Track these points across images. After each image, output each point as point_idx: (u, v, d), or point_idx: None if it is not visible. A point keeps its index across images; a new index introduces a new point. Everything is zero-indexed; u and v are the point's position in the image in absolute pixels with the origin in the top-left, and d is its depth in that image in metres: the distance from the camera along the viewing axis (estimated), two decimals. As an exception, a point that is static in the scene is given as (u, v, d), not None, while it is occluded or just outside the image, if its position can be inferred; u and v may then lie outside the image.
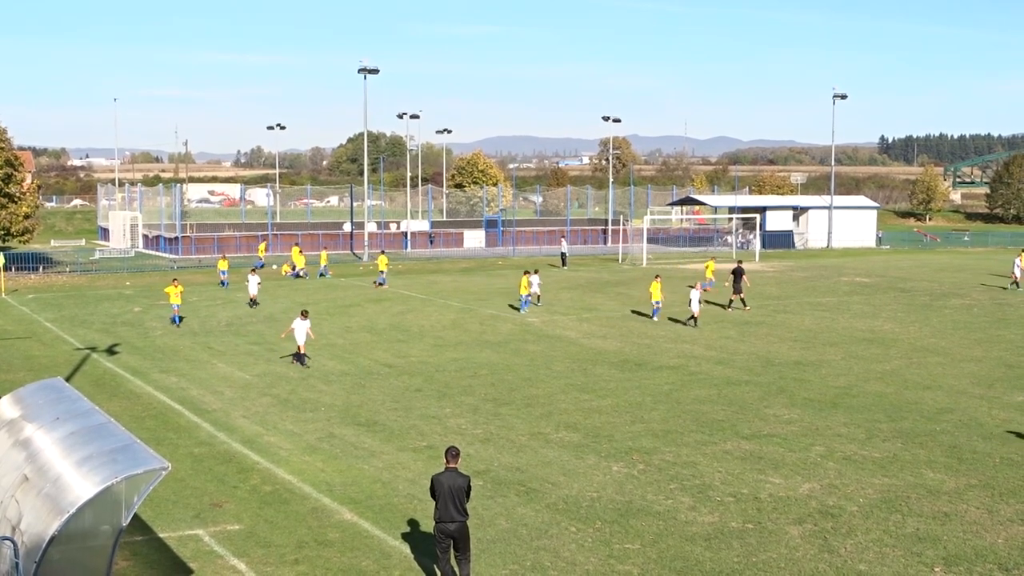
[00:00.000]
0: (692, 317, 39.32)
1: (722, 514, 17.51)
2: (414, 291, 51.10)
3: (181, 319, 39.53)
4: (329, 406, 25.57)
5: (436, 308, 44.47)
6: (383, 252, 58.69)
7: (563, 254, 67.70)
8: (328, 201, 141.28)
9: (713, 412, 24.96)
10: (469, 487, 14.27)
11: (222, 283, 52.38)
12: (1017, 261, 55.04)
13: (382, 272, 53.98)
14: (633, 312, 43.59)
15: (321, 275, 58.42)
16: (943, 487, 19.13)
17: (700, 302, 39.79)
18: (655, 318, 41.11)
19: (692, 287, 41.00)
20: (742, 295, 44.51)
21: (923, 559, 15.55)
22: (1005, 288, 54.04)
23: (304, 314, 31.17)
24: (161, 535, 16.42)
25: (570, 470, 20.06)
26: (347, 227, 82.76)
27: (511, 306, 44.36)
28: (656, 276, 43.32)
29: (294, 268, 58.55)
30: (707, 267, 47.54)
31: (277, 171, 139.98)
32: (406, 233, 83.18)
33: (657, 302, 41.33)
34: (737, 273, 44.89)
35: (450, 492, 14.06)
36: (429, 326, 39.16)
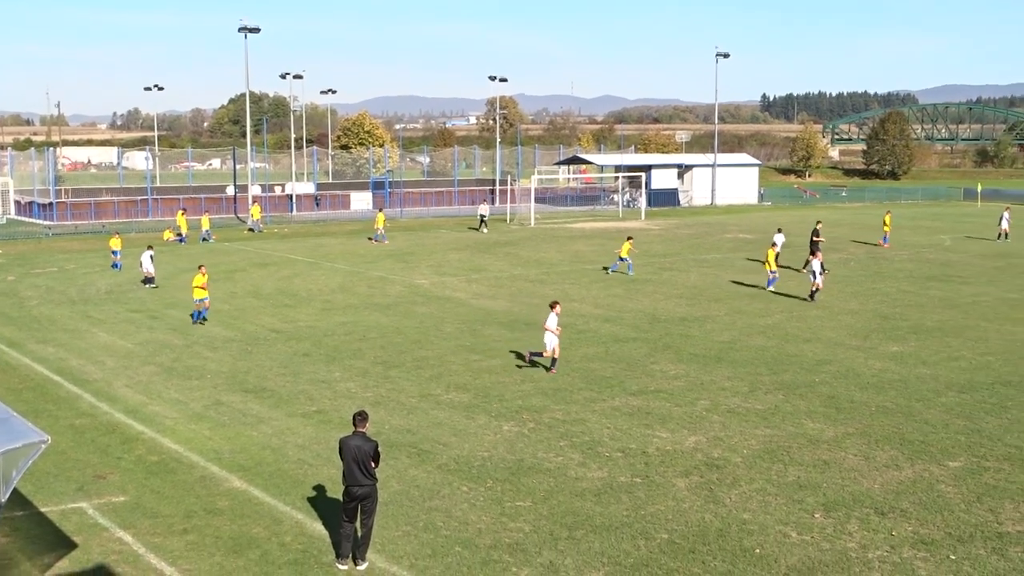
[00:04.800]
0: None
1: (611, 469, 17.79)
2: (300, 255, 50.47)
3: (201, 316, 31.80)
4: (215, 373, 25.15)
5: (323, 271, 44.02)
6: (381, 210, 61.25)
7: (482, 216, 65.12)
8: (210, 164, 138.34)
9: (601, 369, 25.28)
10: (376, 452, 14.18)
11: (116, 266, 44.84)
12: (1005, 215, 58.34)
13: (379, 229, 56.83)
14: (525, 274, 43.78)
15: (204, 240, 57.27)
16: (822, 436, 19.74)
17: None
18: (615, 271, 43.28)
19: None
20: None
21: (804, 506, 16.05)
22: (995, 241, 56.86)
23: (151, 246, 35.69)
24: (43, 509, 15.99)
25: (461, 430, 20.13)
26: (230, 190, 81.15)
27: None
28: (628, 237, 44.95)
29: (179, 233, 57.31)
30: (622, 248, 46.24)
31: (156, 133, 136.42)
32: (291, 196, 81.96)
33: (623, 259, 42.96)
34: None
35: (355, 456, 13.97)
36: (317, 290, 38.76)
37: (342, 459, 14.16)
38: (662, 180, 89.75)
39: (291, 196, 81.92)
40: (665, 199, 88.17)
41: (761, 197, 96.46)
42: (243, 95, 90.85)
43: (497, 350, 27.62)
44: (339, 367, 25.72)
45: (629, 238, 44.98)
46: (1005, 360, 26.38)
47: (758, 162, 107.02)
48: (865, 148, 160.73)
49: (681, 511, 15.87)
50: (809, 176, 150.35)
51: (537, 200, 76.42)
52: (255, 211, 65.85)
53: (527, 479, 17.29)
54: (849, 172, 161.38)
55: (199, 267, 33.00)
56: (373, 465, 14.13)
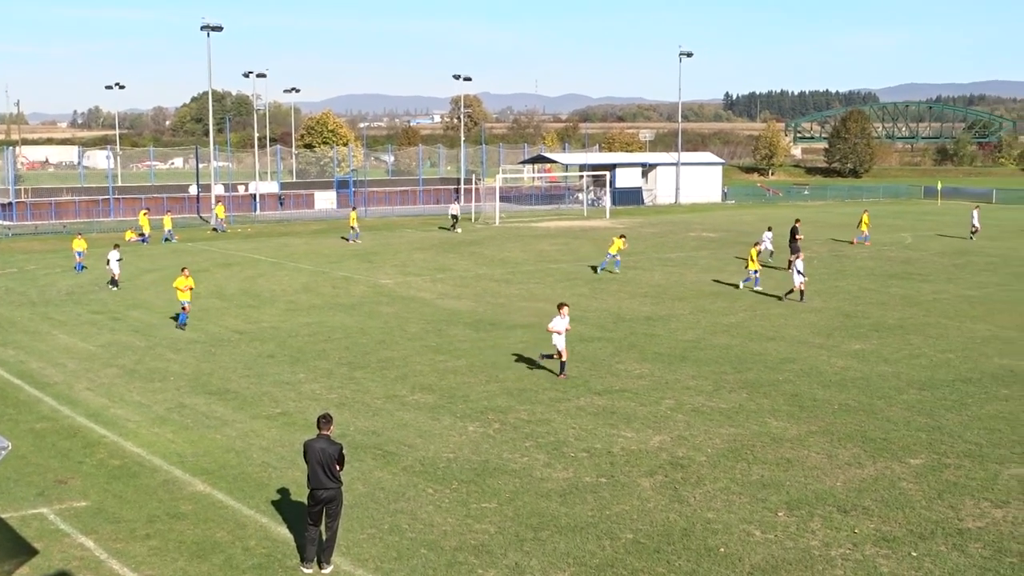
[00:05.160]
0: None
1: (576, 469, 17.83)
2: (264, 255, 50.20)
3: (181, 319, 31.06)
4: (178, 375, 24.96)
5: (287, 272, 43.80)
6: (354, 209, 61.40)
7: (454, 216, 64.68)
8: (172, 163, 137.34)
9: (567, 369, 25.30)
10: (342, 455, 14.12)
11: (78, 267, 43.94)
12: (975, 213, 58.99)
13: (354, 228, 56.81)
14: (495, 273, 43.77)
15: (166, 240, 56.80)
16: (786, 434, 19.88)
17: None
18: (604, 269, 43.55)
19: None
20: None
21: (768, 504, 16.15)
22: (970, 239, 57.31)
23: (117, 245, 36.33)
24: (2, 515, 15.79)
25: (426, 432, 20.10)
26: (193, 190, 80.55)
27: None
28: (621, 235, 45.40)
29: (142, 234, 56.82)
30: (613, 243, 45.98)
31: (117, 132, 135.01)
32: (255, 195, 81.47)
33: (612, 254, 43.37)
34: None
35: (320, 459, 13.91)
36: (280, 290, 38.56)
37: (307, 462, 14.09)
38: (626, 179, 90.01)
39: (255, 195, 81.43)
40: (629, 198, 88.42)
41: (725, 196, 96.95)
42: (206, 93, 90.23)
43: (462, 350, 27.59)
44: (304, 368, 25.60)
45: (621, 236, 45.48)
46: (965, 357, 26.68)
47: (722, 161, 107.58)
48: (827, 146, 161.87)
49: (646, 511, 15.93)
50: (772, 174, 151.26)
51: (502, 199, 76.47)
52: (219, 211, 65.48)
53: (492, 480, 17.29)
54: (811, 170, 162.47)
55: (182, 269, 32.13)
56: (338, 468, 14.07)
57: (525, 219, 73.63)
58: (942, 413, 21.33)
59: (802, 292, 35.47)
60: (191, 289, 31.28)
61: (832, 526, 15.29)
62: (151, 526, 15.38)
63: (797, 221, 48.04)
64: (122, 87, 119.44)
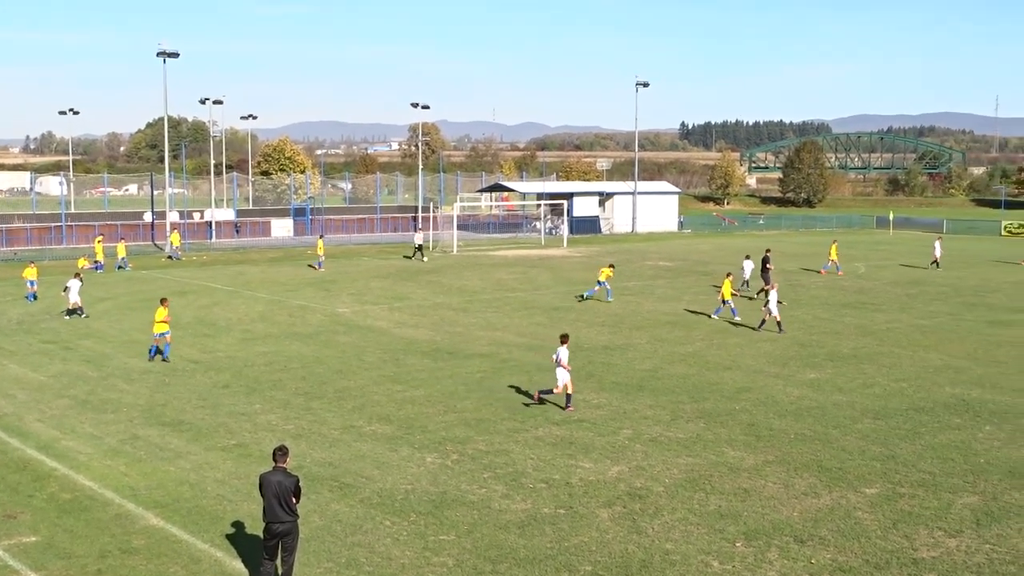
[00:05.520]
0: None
1: (535, 500, 17.78)
2: (220, 283, 49.81)
3: (158, 351, 30.38)
4: (131, 406, 24.65)
5: (243, 300, 43.47)
6: (321, 237, 61.78)
7: (419, 246, 63.80)
8: (127, 189, 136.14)
9: (525, 399, 25.28)
10: (298, 488, 14.01)
11: (29, 297, 42.83)
12: (937, 244, 60.04)
13: (320, 256, 57.20)
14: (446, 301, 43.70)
15: (120, 268, 56.21)
16: (743, 464, 19.96)
17: None
18: (591, 296, 43.97)
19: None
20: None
21: (725, 535, 16.19)
22: (925, 268, 58.19)
23: (78, 274, 36.09)
24: (-50, 551, 15.49)
25: (384, 463, 19.97)
26: (148, 217, 79.86)
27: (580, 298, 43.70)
28: (610, 264, 46.15)
29: (96, 261, 56.20)
30: (602, 272, 45.97)
31: (71, 158, 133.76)
32: (210, 222, 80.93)
33: (601, 282, 43.61)
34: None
35: (275, 492, 13.77)
36: (236, 319, 38.25)
37: (262, 495, 13.96)
38: (584, 208, 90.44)
39: (210, 223, 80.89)
40: (587, 227, 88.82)
41: (681, 225, 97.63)
42: (161, 119, 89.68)
43: (420, 380, 27.49)
44: (259, 399, 25.38)
45: (611, 265, 45.90)
46: (918, 386, 26.97)
47: (678, 190, 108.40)
48: (781, 176, 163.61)
49: (605, 542, 15.91)
50: (728, 204, 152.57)
51: (460, 227, 76.51)
52: (174, 238, 64.97)
53: (451, 512, 17.20)
54: (766, 200, 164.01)
55: (161, 300, 31.23)
56: (294, 501, 13.95)
57: (483, 247, 73.68)
58: (896, 442, 21.53)
59: (779, 323, 35.58)
60: (168, 321, 30.45)
61: (789, 556, 15.35)
62: (103, 561, 15.13)
63: (768, 251, 48.46)
64: (76, 112, 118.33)
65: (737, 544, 15.84)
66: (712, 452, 20.80)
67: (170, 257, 63.20)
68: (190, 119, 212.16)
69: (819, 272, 55.78)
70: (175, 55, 70.41)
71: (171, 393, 26.00)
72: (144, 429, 22.55)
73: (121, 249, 57.88)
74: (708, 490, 18.39)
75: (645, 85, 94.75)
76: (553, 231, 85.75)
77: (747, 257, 48.43)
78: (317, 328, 36.24)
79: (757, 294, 44.76)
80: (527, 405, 24.67)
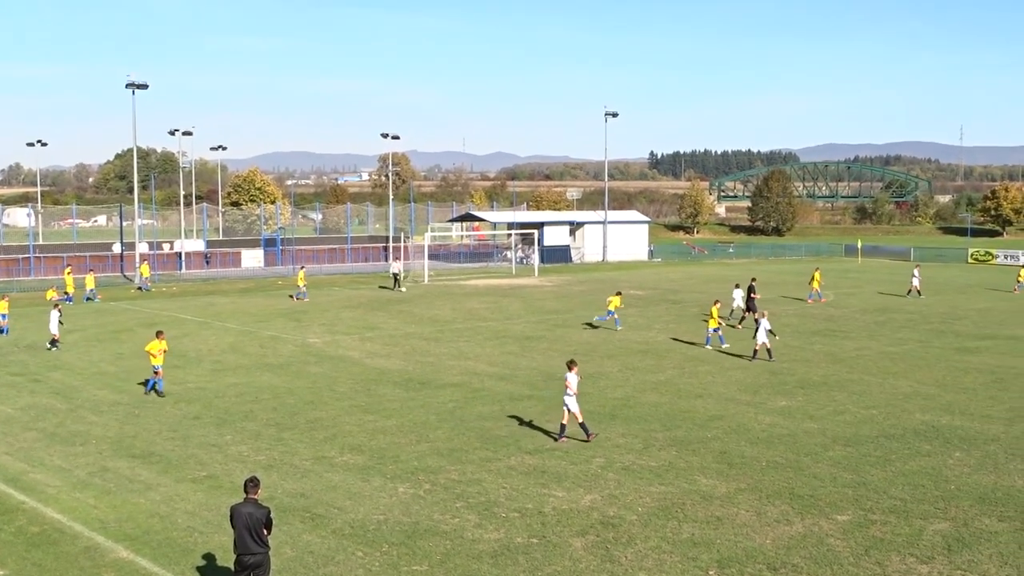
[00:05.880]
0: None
1: (508, 530, 17.74)
2: (190, 314, 49.53)
3: (153, 385, 29.66)
4: (101, 438, 24.43)
5: (214, 331, 43.24)
6: (302, 268, 60.94)
7: (396, 275, 63.61)
8: (96, 221, 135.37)
9: (497, 428, 25.27)
10: (269, 519, 13.92)
11: (3, 331, 42.09)
12: (915, 272, 60.64)
13: (300, 287, 56.66)
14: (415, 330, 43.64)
15: (88, 299, 55.81)
16: (715, 492, 20.00)
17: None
18: (602, 321, 44.63)
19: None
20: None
21: (698, 563, 16.20)
22: (903, 296, 58.54)
23: (57, 305, 36.38)
24: (-85, 587, 15.28)
25: (356, 493, 19.88)
26: (117, 248, 79.42)
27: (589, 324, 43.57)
28: (618, 292, 46.22)
29: (65, 292, 55.76)
30: (611, 301, 46.15)
31: (39, 189, 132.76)
32: (180, 253, 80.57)
33: (611, 311, 43.92)
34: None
35: (246, 524, 13.68)
36: (207, 350, 38.02)
37: (233, 527, 13.86)
38: (554, 237, 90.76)
39: (180, 254, 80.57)
40: (557, 256, 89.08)
41: (651, 253, 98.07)
42: (130, 150, 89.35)
43: (392, 410, 27.41)
44: (230, 430, 25.22)
45: (618, 293, 46.10)
46: (888, 413, 27.14)
47: (647, 219, 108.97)
48: (750, 205, 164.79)
49: (578, 571, 15.87)
50: (697, 232, 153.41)
51: (431, 257, 76.52)
52: (143, 269, 64.59)
53: (423, 542, 17.12)
54: (736, 228, 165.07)
55: (157, 333, 30.46)
56: (265, 532, 13.86)
57: (454, 277, 73.70)
58: (867, 469, 21.65)
59: (769, 351, 35.59)
60: (164, 352, 29.86)
61: (762, 584, 15.36)
62: (72, 595, 14.95)
63: (753, 280, 48.70)
64: (44, 144, 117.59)
65: (710, 572, 15.84)
66: (685, 480, 20.83)
67: (140, 288, 62.82)
68: (159, 150, 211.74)
69: (807, 301, 56.03)
70: (144, 86, 70.28)
71: (141, 425, 25.79)
72: (113, 461, 22.35)
73: (90, 280, 57.52)
74: (681, 518, 18.41)
75: (614, 115, 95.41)
76: (524, 260, 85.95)
77: (736, 286, 48.61)
78: (288, 359, 36.09)
79: (739, 323, 45.02)
80: (556, 439, 24.05)
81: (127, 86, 69.91)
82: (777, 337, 36.28)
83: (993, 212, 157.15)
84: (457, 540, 17.25)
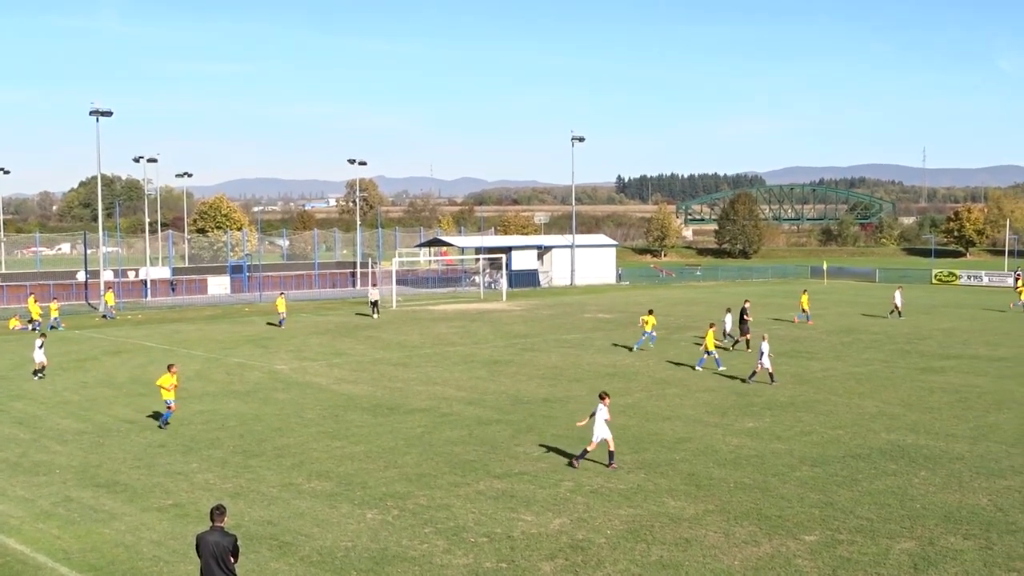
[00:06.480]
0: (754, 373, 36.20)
1: (476, 555, 17.67)
2: (155, 341, 49.16)
3: (165, 416, 29.04)
4: (65, 468, 24.16)
5: (180, 358, 42.80)
6: (282, 294, 60.21)
7: (375, 303, 62.74)
8: (59, 249, 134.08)
9: (465, 453, 25.21)
10: (236, 547, 13.80)
11: None
12: (897, 294, 61.15)
13: (280, 312, 56.42)
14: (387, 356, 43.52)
15: (52, 327, 55.25)
16: (684, 514, 20.03)
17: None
18: (640, 347, 44.78)
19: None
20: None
21: (668, 586, 16.19)
22: (886, 317, 59.12)
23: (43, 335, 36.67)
24: None
25: (323, 520, 19.75)
26: (81, 276, 78.73)
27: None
28: (650, 311, 46.74)
29: (31, 320, 55.17)
30: (646, 322, 45.40)
31: (1, 218, 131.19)
32: (145, 281, 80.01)
33: (647, 333, 44.72)
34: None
35: (213, 552, 13.56)
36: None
37: (199, 556, 13.73)
38: (522, 261, 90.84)
39: (145, 281, 79.98)
40: (525, 280, 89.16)
41: (619, 277, 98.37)
42: (95, 178, 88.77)
43: (360, 436, 27.29)
44: (196, 458, 25.01)
45: (651, 311, 46.66)
46: (854, 434, 27.32)
47: (615, 242, 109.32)
48: (717, 228, 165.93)
49: (547, 595, 15.83)
50: (665, 255, 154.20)
51: (399, 282, 76.39)
52: (108, 297, 64.04)
53: (392, 568, 17.03)
54: (703, 251, 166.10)
55: (169, 367, 29.53)
56: (232, 561, 13.74)
57: (422, 302, 73.59)
58: (834, 489, 21.76)
59: (771, 374, 35.48)
60: (175, 387, 29.13)
61: (731, 605, 15.38)
62: (35, 628, 14.75)
63: (746, 302, 48.89)
64: (6, 172, 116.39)
65: (679, 594, 15.85)
66: (653, 502, 20.85)
67: (104, 316, 62.26)
68: (124, 177, 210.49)
69: (792, 321, 56.53)
70: (108, 113, 69.82)
71: (105, 454, 25.53)
72: (78, 491, 22.11)
73: (54, 309, 56.98)
74: (650, 541, 18.42)
75: (581, 140, 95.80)
76: (492, 285, 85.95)
77: (728, 310, 48.74)
78: (255, 385, 35.88)
79: (733, 346, 45.23)
80: (569, 465, 23.87)
81: (91, 113, 69.46)
82: (772, 356, 36.26)
83: (956, 233, 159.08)
84: (426, 566, 17.17)
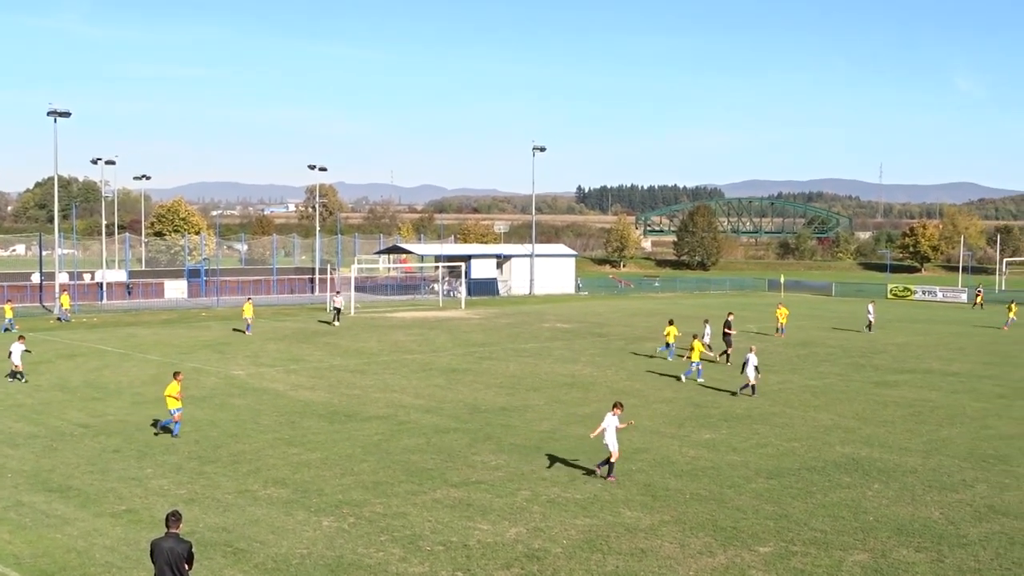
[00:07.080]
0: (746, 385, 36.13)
1: (432, 564, 17.65)
2: (111, 345, 48.65)
3: (167, 426, 28.18)
4: (16, 472, 23.84)
5: (135, 363, 42.52)
6: (249, 300, 59.06)
7: (338, 309, 62.31)
8: (14, 250, 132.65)
9: (423, 461, 25.17)
10: (190, 554, 13.70)
11: None
12: (870, 308, 61.89)
13: (247, 318, 55.53)
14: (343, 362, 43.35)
15: (6, 330, 54.55)
16: (640, 524, 20.11)
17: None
18: (670, 358, 45.03)
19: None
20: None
21: (623, 596, 16.25)
22: (859, 332, 59.66)
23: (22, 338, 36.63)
24: None
25: (279, 527, 19.64)
26: (36, 278, 77.78)
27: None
28: (670, 321, 46.79)
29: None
30: (668, 333, 45.83)
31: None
32: (101, 284, 79.15)
33: (671, 345, 45.27)
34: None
35: (167, 559, 13.45)
36: (128, 382, 37.37)
37: (153, 562, 13.62)
38: (481, 270, 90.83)
39: (101, 284, 79.11)
40: (484, 289, 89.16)
41: (578, 287, 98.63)
42: (51, 179, 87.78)
43: (317, 443, 27.17)
44: (151, 463, 24.78)
45: (671, 321, 46.79)
46: (809, 446, 27.57)
47: (574, 253, 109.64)
48: (676, 239, 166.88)
49: (503, 605, 15.84)
50: (624, 266, 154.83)
51: (357, 289, 76.13)
52: (63, 299, 63.31)
53: (347, 576, 16.97)
54: (661, 263, 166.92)
55: (175, 374, 28.76)
56: (187, 567, 13.64)
57: (381, 309, 73.38)
58: (789, 501, 21.95)
59: (753, 387, 35.69)
60: (181, 396, 28.17)
61: (686, 615, 15.46)
62: (-17, 634, 14.55)
63: (730, 315, 49.08)
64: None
65: (635, 604, 15.91)
66: (609, 513, 20.93)
67: (59, 319, 61.54)
68: (81, 179, 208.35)
69: (775, 335, 57.04)
70: (67, 114, 69.18)
71: (58, 458, 25.23)
72: (29, 495, 21.83)
73: (8, 311, 56.27)
74: (606, 551, 18.48)
75: (542, 149, 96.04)
76: (451, 293, 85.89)
77: (706, 321, 48.68)
78: (211, 391, 35.61)
79: (719, 356, 45.42)
80: (594, 475, 23.79)
81: (49, 114, 68.77)
82: (759, 374, 36.40)
83: (911, 249, 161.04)
84: (381, 574, 17.12)
